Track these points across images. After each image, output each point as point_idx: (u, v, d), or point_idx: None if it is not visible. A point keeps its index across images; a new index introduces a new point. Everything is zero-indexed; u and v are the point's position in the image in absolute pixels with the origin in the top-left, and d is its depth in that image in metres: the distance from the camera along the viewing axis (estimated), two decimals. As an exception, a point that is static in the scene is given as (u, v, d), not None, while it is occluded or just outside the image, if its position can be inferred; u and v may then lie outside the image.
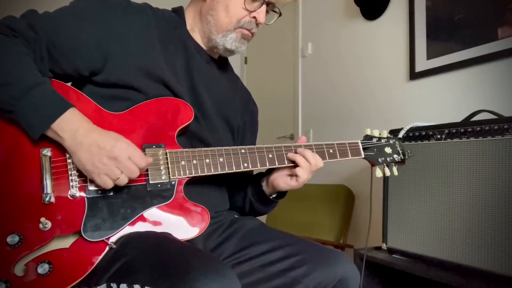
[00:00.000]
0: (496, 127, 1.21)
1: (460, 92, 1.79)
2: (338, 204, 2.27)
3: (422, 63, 1.95)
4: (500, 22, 1.61)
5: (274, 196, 1.13)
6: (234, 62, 3.81)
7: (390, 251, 1.53)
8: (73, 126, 0.82)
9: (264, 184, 1.12)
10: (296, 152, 1.04)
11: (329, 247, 1.04)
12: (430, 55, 1.91)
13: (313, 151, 1.06)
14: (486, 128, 1.24)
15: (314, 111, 2.79)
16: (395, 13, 2.14)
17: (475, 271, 1.23)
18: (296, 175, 1.03)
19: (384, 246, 1.55)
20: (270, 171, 1.10)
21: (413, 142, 1.46)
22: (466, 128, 1.30)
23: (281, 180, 1.07)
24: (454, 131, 1.33)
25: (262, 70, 3.56)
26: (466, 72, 1.76)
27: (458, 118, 1.57)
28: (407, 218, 1.47)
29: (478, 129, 1.26)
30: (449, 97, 1.84)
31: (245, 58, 3.76)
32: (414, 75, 2.00)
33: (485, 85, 1.68)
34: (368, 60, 2.32)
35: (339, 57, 2.55)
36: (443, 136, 1.36)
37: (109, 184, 0.83)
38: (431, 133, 1.41)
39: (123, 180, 0.83)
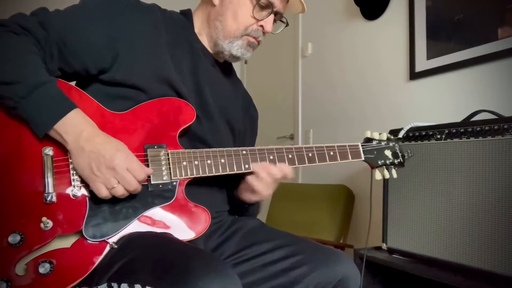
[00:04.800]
0: (496, 127, 1.21)
1: (460, 92, 1.79)
2: (338, 204, 2.27)
3: (422, 63, 1.95)
4: (500, 22, 1.61)
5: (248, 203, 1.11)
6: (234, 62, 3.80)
7: (390, 251, 1.53)
8: (77, 130, 0.82)
9: (236, 192, 1.12)
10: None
11: (330, 247, 1.04)
12: (430, 55, 1.91)
13: (313, 153, 1.06)
14: (486, 128, 1.24)
15: (314, 111, 2.79)
16: (395, 13, 2.14)
17: (475, 271, 1.23)
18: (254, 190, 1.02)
19: (384, 246, 1.55)
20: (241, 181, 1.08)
21: (413, 142, 1.46)
22: (466, 128, 1.30)
23: (245, 195, 1.07)
24: (454, 131, 1.33)
25: (262, 70, 3.56)
26: (466, 72, 1.76)
27: (458, 118, 1.57)
28: (407, 218, 1.47)
29: (478, 129, 1.26)
30: (449, 97, 1.84)
31: (245, 58, 3.76)
32: (414, 75, 2.00)
33: (485, 85, 1.68)
34: (368, 60, 2.32)
35: (339, 57, 2.55)
36: (443, 136, 1.36)
37: (103, 193, 0.82)
38: (431, 133, 1.41)
39: (118, 190, 0.82)
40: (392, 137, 1.22)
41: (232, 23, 1.04)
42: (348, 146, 1.12)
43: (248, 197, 1.07)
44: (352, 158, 1.11)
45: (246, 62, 3.75)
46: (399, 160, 1.18)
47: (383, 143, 1.18)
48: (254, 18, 1.04)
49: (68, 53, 0.90)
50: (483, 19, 1.68)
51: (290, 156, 1.04)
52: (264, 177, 1.00)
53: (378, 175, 1.16)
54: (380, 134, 1.20)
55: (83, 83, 0.97)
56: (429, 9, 1.92)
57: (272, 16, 1.06)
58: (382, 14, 2.22)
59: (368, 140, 1.17)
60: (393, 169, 1.19)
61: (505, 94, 1.61)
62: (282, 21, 1.13)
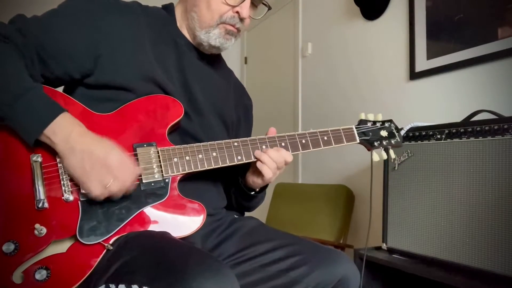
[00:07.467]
0: (496, 127, 1.21)
1: (460, 92, 1.79)
2: (338, 204, 2.27)
3: (422, 63, 1.95)
4: (500, 22, 1.61)
5: (256, 190, 1.12)
6: (234, 62, 3.83)
7: (390, 251, 1.53)
8: (66, 130, 0.81)
9: (241, 180, 1.12)
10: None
11: (329, 247, 1.04)
12: (430, 55, 1.91)
13: (307, 140, 1.05)
14: (486, 128, 1.24)
15: (314, 111, 2.79)
16: (395, 13, 2.14)
17: (475, 271, 1.23)
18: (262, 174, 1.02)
19: (384, 246, 1.55)
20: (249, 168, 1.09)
21: (413, 142, 1.46)
22: (466, 128, 1.29)
23: (250, 178, 1.07)
24: (454, 131, 1.33)
25: (262, 70, 3.56)
26: (466, 72, 1.76)
27: (458, 118, 1.57)
28: (407, 218, 1.47)
29: (478, 129, 1.26)
30: (449, 97, 1.84)
31: (245, 58, 3.76)
32: (414, 75, 1.99)
33: (485, 85, 1.68)
34: (368, 60, 2.32)
35: (339, 57, 2.55)
36: (443, 136, 1.36)
37: (97, 190, 0.81)
38: (431, 133, 1.40)
39: (113, 188, 0.82)
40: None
41: (206, 12, 1.01)
42: (342, 129, 1.10)
43: (253, 180, 1.06)
44: (347, 142, 1.09)
45: (246, 62, 3.75)
46: (396, 140, 1.15)
47: (378, 124, 1.15)
48: (228, 4, 1.01)
49: (48, 58, 0.89)
50: (483, 19, 1.68)
51: (283, 144, 1.03)
52: (267, 161, 0.99)
53: (375, 157, 1.14)
54: (375, 115, 1.18)
55: (68, 89, 0.96)
56: (429, 9, 1.92)
57: (248, 1, 1.02)
58: (382, 14, 2.21)
59: (363, 122, 1.15)
60: (390, 149, 1.16)
61: (505, 94, 1.60)
62: (264, 4, 1.09)
